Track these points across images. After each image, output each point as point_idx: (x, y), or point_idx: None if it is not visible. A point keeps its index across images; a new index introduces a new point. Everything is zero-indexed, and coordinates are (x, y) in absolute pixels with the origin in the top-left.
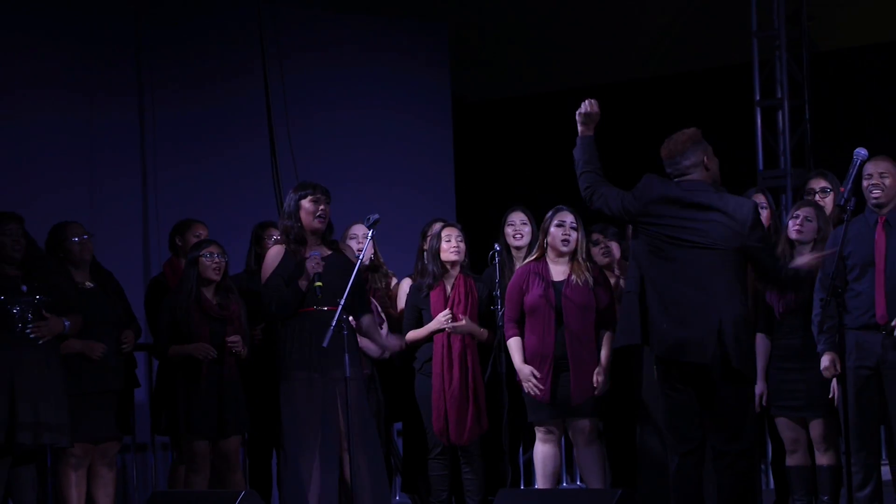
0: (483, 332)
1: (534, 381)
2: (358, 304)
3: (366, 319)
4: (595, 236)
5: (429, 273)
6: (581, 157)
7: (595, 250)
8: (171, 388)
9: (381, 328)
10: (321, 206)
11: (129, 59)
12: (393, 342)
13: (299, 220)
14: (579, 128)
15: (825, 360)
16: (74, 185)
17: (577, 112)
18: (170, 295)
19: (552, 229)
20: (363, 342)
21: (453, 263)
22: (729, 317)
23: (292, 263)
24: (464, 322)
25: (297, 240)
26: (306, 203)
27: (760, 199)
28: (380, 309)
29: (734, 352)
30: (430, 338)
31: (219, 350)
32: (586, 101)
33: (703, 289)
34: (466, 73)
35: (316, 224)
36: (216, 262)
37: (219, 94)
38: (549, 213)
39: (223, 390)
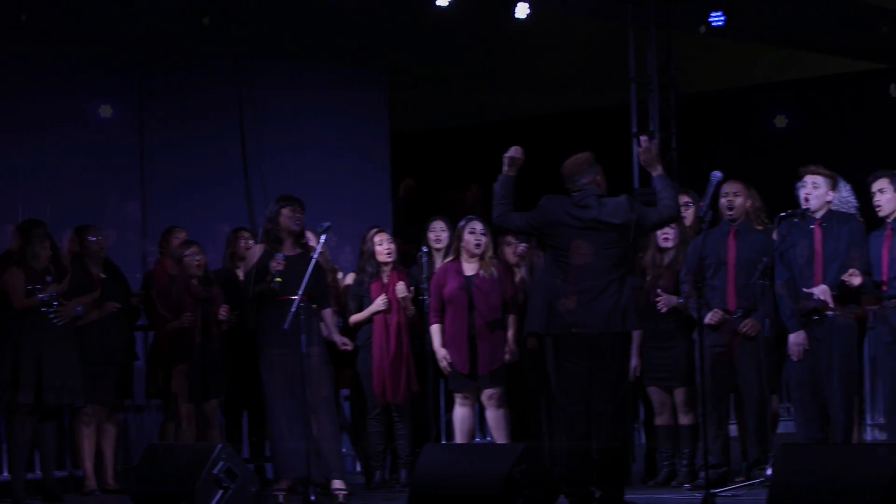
0: (412, 309)
1: (445, 362)
2: (320, 298)
3: (325, 313)
4: (508, 238)
5: (367, 270)
6: (499, 192)
7: (507, 250)
8: (162, 361)
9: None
10: (298, 214)
11: (133, 100)
12: (339, 339)
13: (279, 224)
14: (504, 167)
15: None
16: (89, 198)
17: (505, 155)
18: (162, 285)
19: (466, 235)
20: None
21: (387, 263)
22: (616, 299)
23: (269, 259)
24: (405, 294)
25: (275, 240)
26: (286, 211)
27: (685, 198)
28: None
29: (618, 329)
30: (370, 319)
31: (203, 327)
32: (514, 148)
33: (594, 280)
34: (403, 108)
35: (293, 227)
36: (197, 261)
37: (202, 125)
38: (462, 222)
39: (206, 361)
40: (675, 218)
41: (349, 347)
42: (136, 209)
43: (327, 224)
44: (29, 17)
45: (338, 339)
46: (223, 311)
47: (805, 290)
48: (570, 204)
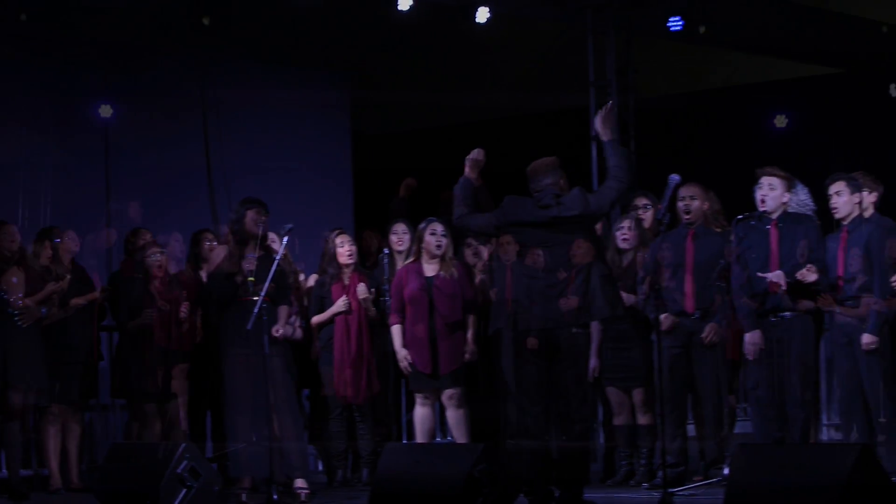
0: (373, 310)
1: (406, 362)
2: (279, 296)
3: (281, 310)
4: (468, 240)
5: (328, 272)
6: (459, 194)
7: (467, 252)
8: (126, 361)
9: (295, 316)
10: (262, 217)
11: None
12: (295, 333)
13: (243, 226)
14: (466, 170)
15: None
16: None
17: (467, 157)
18: (126, 286)
19: (427, 237)
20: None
21: (347, 264)
22: (583, 291)
23: (233, 260)
24: (365, 295)
25: (239, 241)
26: (250, 213)
27: (644, 200)
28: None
29: (579, 328)
30: (331, 320)
31: (164, 329)
32: (475, 150)
33: (553, 279)
34: (365, 111)
35: (257, 230)
36: (158, 261)
37: (166, 127)
38: (423, 224)
39: (168, 361)
40: (626, 183)
41: (295, 334)
42: (100, 211)
43: (290, 226)
44: None
45: (284, 330)
46: (184, 310)
47: (759, 274)
48: (532, 204)
